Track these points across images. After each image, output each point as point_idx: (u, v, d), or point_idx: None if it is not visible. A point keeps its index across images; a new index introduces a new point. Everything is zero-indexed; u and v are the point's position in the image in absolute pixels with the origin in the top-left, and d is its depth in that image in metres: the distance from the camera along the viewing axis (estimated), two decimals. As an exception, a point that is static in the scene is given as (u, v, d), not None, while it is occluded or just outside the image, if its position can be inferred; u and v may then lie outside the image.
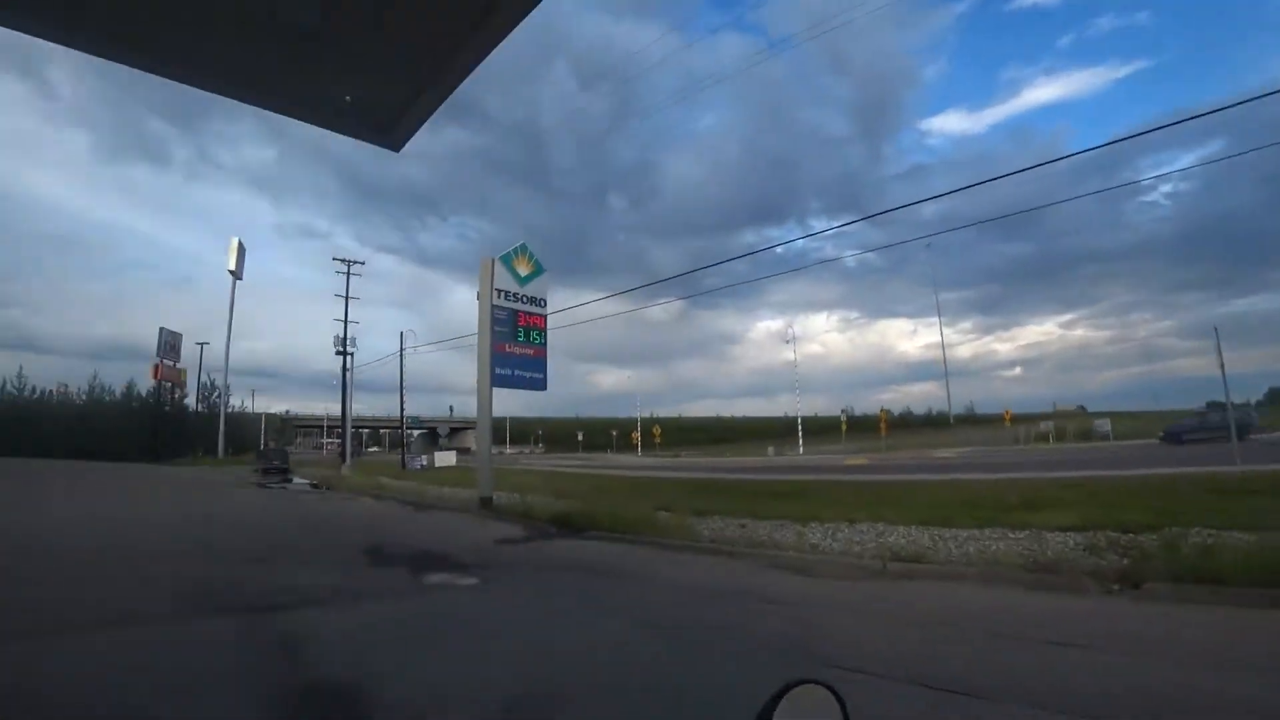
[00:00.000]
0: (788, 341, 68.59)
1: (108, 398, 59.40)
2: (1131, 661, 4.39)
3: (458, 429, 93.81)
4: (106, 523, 13.18)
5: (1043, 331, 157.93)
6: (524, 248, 17.46)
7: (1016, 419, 60.78)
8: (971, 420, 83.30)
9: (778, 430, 79.34)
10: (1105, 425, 51.83)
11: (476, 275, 17.10)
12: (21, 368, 64.76)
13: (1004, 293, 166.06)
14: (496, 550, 10.26)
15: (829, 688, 0.98)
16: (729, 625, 5.72)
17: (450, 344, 58.23)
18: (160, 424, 55.75)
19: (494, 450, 20.51)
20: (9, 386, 54.47)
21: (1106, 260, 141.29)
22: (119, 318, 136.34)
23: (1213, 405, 31.86)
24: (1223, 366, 13.42)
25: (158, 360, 55.83)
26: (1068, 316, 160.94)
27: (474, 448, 25.87)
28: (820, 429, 73.99)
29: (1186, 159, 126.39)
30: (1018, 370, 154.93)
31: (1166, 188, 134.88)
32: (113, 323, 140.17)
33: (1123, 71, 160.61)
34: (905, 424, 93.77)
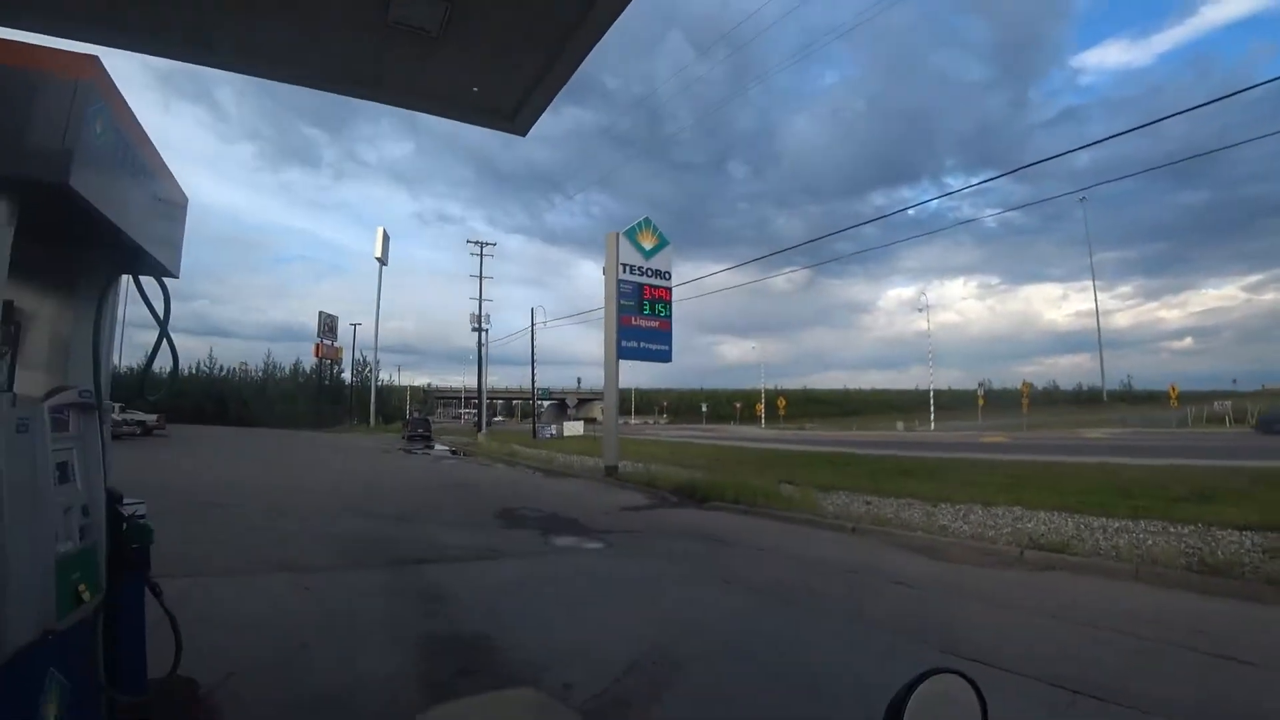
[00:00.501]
0: (920, 310, 64.93)
1: (279, 374, 68.66)
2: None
3: (585, 400, 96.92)
4: (278, 481, 14.86)
5: (1222, 295, 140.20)
6: (647, 221, 17.66)
7: (1185, 397, 54.35)
8: (1129, 397, 75.66)
9: (908, 404, 75.86)
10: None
11: (602, 251, 17.54)
12: (211, 350, 75.38)
13: (1173, 251, 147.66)
14: (621, 516, 10.63)
15: (969, 679, 0.94)
16: (849, 602, 5.67)
17: (578, 318, 60.43)
18: (322, 396, 63.86)
19: (620, 420, 21.10)
20: (202, 366, 64.42)
21: None
22: (286, 304, 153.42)
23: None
24: None
25: (318, 340, 63.77)
26: (1254, 278, 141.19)
27: (600, 418, 26.73)
28: (954, 403, 69.94)
29: None
30: (1188, 341, 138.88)
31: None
32: (281, 309, 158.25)
33: None
34: (1051, 400, 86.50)
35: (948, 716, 0.90)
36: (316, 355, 64.28)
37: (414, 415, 52.74)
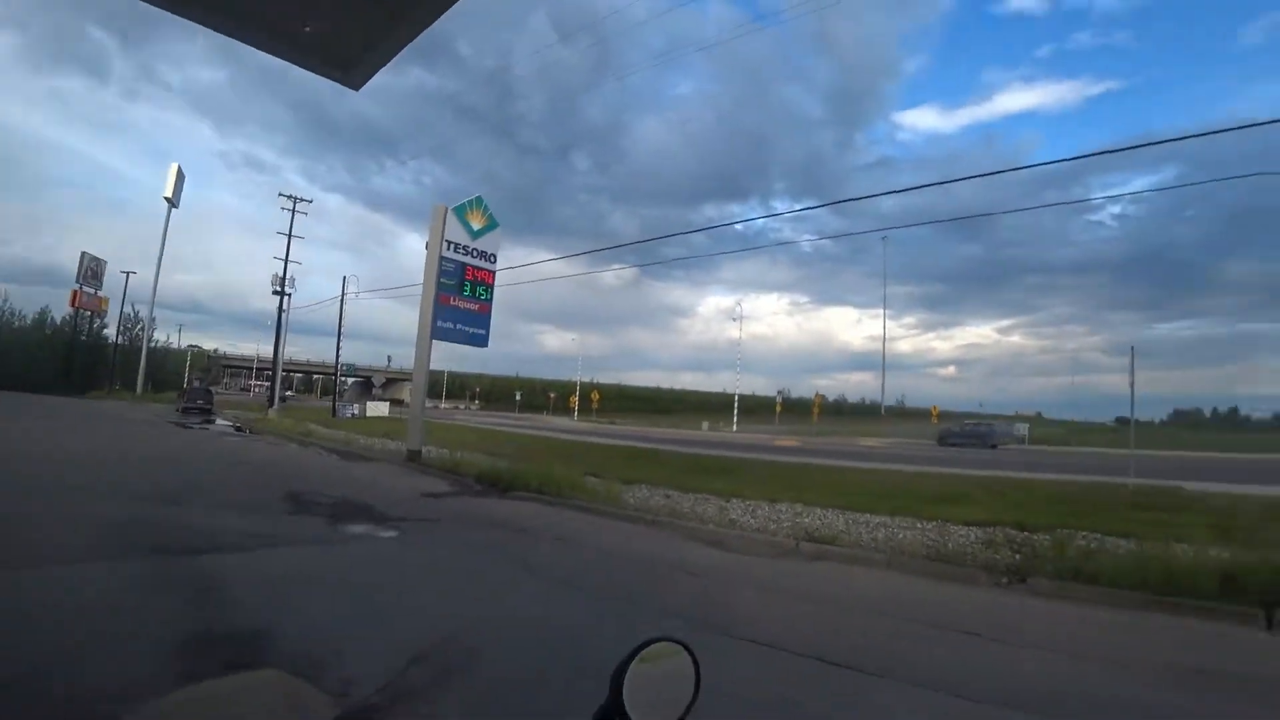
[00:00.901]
0: (734, 319, 69.04)
1: (17, 323, 55.03)
2: (1007, 649, 4.73)
3: (394, 380, 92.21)
4: (12, 457, 12.57)
5: (981, 334, 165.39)
6: (479, 200, 17.11)
7: (944, 416, 63.29)
8: (901, 413, 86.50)
9: (716, 406, 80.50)
10: (1023, 429, 54.53)
11: (428, 224, 16.70)
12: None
13: (950, 292, 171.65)
14: (421, 503, 10.22)
15: (685, 646, 1.03)
16: (641, 591, 5.89)
17: (394, 292, 57.30)
18: (76, 354, 52.64)
19: (429, 404, 20.23)
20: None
21: (1050, 272, 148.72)
22: (39, 239, 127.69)
23: (975, 420, 49.14)
24: (1132, 385, 14.23)
25: (77, 286, 51.71)
26: (1006, 322, 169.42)
27: (408, 400, 25.48)
28: (756, 408, 75.42)
29: (1139, 183, 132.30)
30: (952, 369, 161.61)
31: (1115, 209, 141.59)
32: (33, 244, 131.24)
33: (1096, 89, 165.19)
34: (839, 411, 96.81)
35: (664, 680, 0.99)
36: (73, 305, 52.31)
37: (194, 384, 46.68)
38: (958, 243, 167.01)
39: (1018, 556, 7.12)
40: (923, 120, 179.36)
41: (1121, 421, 32.92)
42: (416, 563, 6.55)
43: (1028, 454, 34.64)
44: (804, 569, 7.07)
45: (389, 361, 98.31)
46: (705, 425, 62.60)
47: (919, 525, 8.84)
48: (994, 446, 39.19)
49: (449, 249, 16.17)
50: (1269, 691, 4.30)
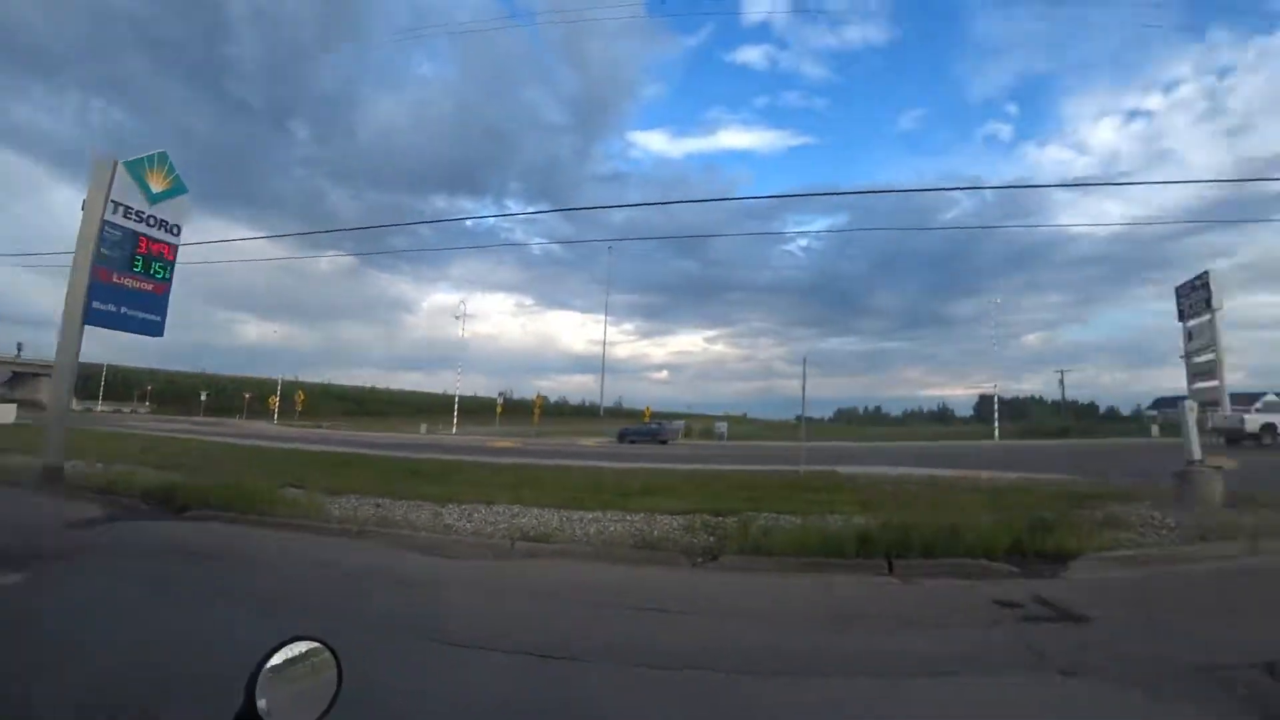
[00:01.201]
0: (458, 317, 67.40)
1: None
2: (699, 619, 5.29)
3: (27, 373, 74.09)
4: None
5: (691, 342, 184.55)
6: (163, 157, 14.25)
7: (656, 416, 68.72)
8: (619, 414, 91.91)
9: (436, 408, 77.99)
10: (723, 427, 61.70)
11: (90, 176, 13.55)
12: None
13: (666, 303, 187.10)
14: (63, 536, 8.30)
15: (324, 643, 1.06)
16: (347, 608, 5.44)
17: (32, 260, 45.65)
18: None
19: (85, 407, 16.55)
20: None
21: (749, 290, 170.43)
22: None
23: (658, 419, 55.68)
24: (805, 389, 17.23)
25: None
26: (712, 332, 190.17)
27: (47, 400, 20.57)
28: (479, 410, 74.81)
29: (820, 223, 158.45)
30: (664, 374, 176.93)
31: (803, 242, 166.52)
32: None
33: (797, 141, 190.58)
34: (560, 412, 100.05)
35: (304, 679, 0.97)
36: None
37: None
38: (675, 258, 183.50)
39: (712, 538, 7.97)
40: (654, 143, 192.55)
41: (800, 419, 38.90)
42: (50, 611, 5.24)
43: (725, 448, 39.25)
44: (519, 568, 7.15)
45: (19, 351, 78.64)
46: (424, 428, 60.31)
47: (628, 517, 9.44)
48: (664, 442, 44.71)
49: (118, 213, 13.19)
50: (885, 614, 5.42)
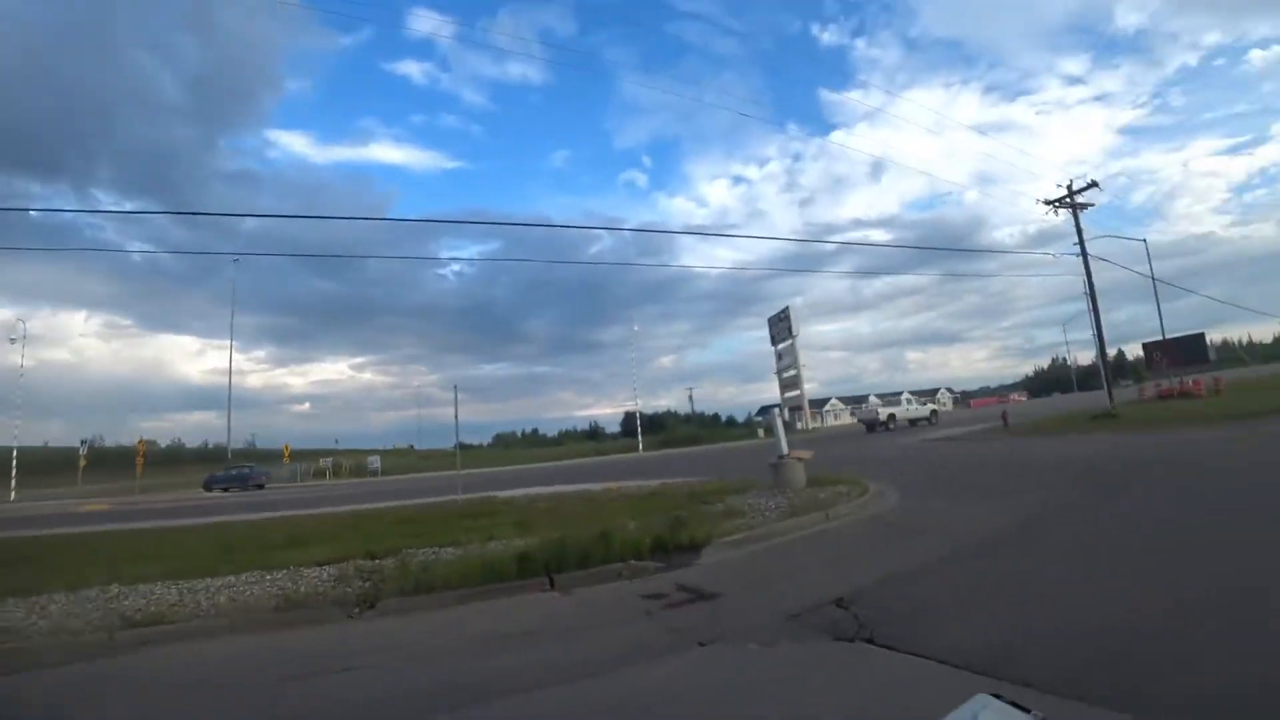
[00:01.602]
0: (15, 340, 49.17)
1: None
2: (359, 674, 4.85)
3: None
4: None
5: (335, 370, 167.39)
6: None
7: (298, 454, 61.58)
8: (252, 455, 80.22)
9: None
10: (376, 461, 57.85)
11: None
12: None
13: (306, 326, 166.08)
14: None
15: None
16: None
17: None
18: None
19: None
20: None
21: (400, 315, 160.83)
22: None
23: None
24: (456, 416, 17.27)
25: None
26: (360, 359, 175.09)
27: None
28: (52, 464, 57.93)
29: (473, 250, 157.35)
30: (307, 406, 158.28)
31: (456, 266, 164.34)
32: None
33: (452, 164, 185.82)
34: (175, 458, 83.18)
35: None
36: None
37: None
38: (316, 277, 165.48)
39: (368, 584, 7.41)
40: (296, 144, 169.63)
41: (462, 447, 38.77)
42: None
43: (380, 484, 36.93)
44: (123, 665, 5.77)
45: None
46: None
47: (269, 576, 8.28)
48: (261, 486, 40.99)
49: None
50: (549, 628, 5.64)
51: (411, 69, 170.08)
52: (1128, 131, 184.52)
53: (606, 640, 5.23)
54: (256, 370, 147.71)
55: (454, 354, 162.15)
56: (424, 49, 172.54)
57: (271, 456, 71.01)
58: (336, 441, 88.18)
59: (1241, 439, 15.23)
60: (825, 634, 4.70)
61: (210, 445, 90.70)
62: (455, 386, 17.31)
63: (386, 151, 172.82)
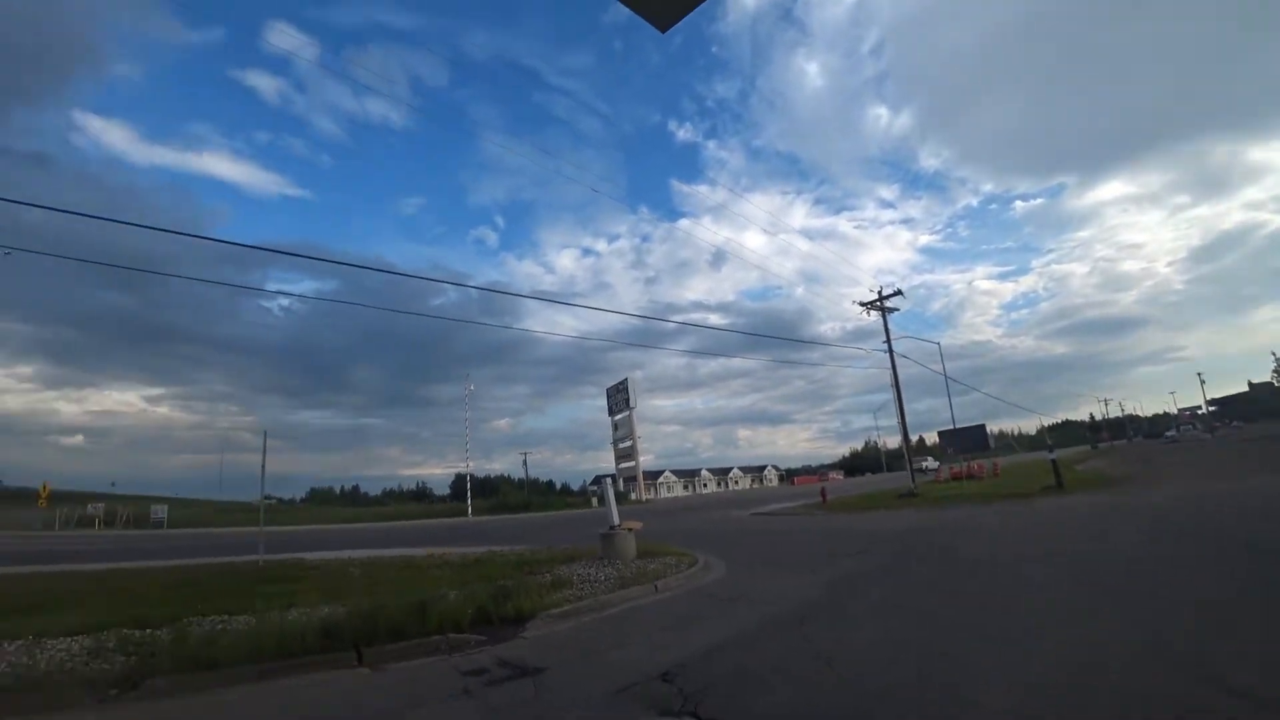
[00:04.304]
0: None
1: None
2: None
3: None
4: None
5: (124, 400, 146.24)
6: None
7: (62, 497, 52.29)
8: (-2, 495, 67.38)
9: None
10: (161, 511, 50.46)
11: None
12: None
13: (88, 344, 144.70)
14: None
15: None
16: None
17: None
18: None
19: None
20: None
21: (211, 346, 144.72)
22: None
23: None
24: (264, 466, 15.68)
25: None
26: (156, 391, 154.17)
27: None
28: None
29: (306, 285, 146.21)
30: (79, 439, 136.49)
31: (285, 301, 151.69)
32: None
33: (294, 191, 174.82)
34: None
35: None
36: None
37: None
38: (105, 287, 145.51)
39: (131, 660, 6.31)
40: (111, 136, 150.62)
41: (261, 500, 35.19)
42: None
43: (165, 537, 32.34)
44: None
45: None
46: None
47: (2, 648, 6.86)
48: None
49: None
50: (352, 710, 5.09)
51: (263, 82, 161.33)
52: (927, 251, 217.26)
53: (418, 721, 4.77)
54: (17, 389, 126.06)
55: (270, 395, 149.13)
56: (280, 65, 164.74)
57: (24, 496, 60.02)
58: (114, 485, 76.20)
59: (1016, 513, 17.53)
60: (651, 709, 4.62)
61: (-61, 475, 74.78)
62: (265, 431, 15.62)
63: (220, 164, 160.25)
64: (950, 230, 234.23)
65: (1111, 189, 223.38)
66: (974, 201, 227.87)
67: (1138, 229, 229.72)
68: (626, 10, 2.48)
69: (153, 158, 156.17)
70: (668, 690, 4.98)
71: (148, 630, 7.39)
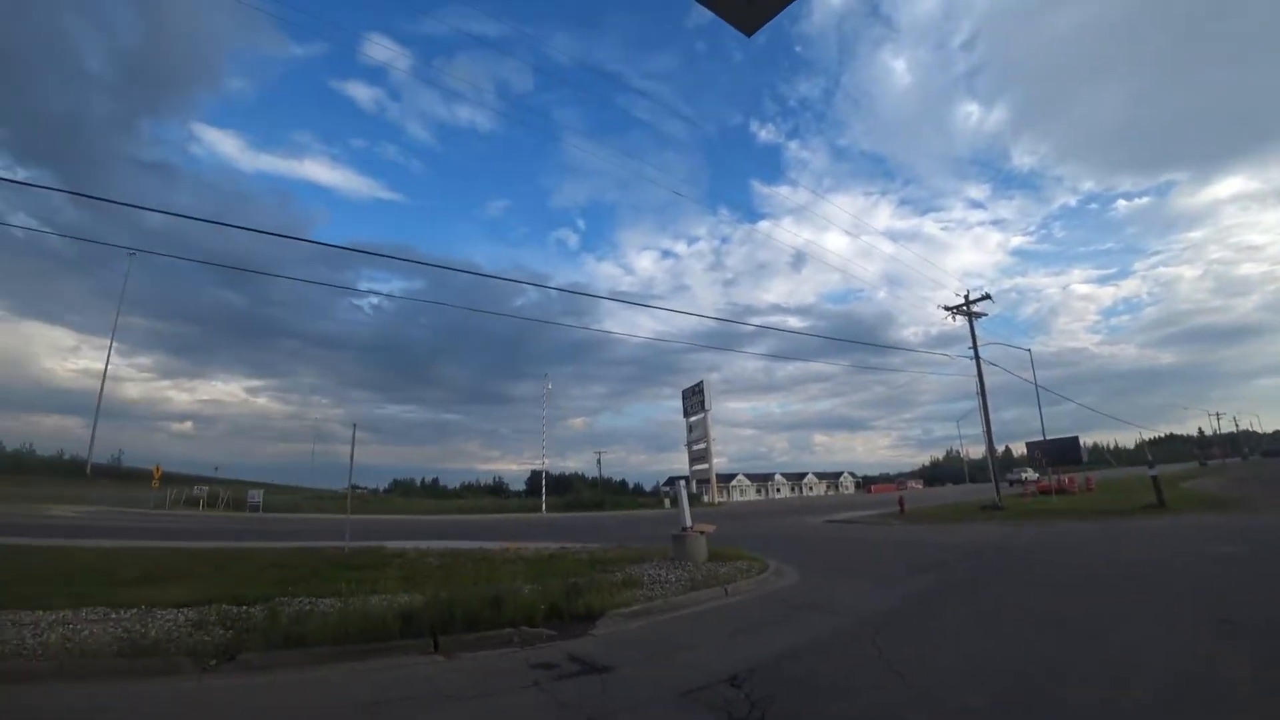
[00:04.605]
0: None
1: None
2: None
3: None
4: None
5: (227, 391, 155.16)
6: None
7: (170, 479, 56.24)
8: (115, 473, 72.86)
9: None
10: (257, 496, 53.54)
11: None
12: None
13: (200, 338, 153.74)
14: None
15: None
16: None
17: None
18: None
19: None
20: None
21: (307, 341, 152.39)
22: None
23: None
24: (352, 457, 16.65)
25: None
26: (256, 382, 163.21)
27: None
28: None
29: (395, 284, 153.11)
30: (189, 425, 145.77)
31: (375, 300, 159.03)
32: None
33: (387, 194, 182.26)
34: (22, 465, 74.22)
35: None
36: None
37: None
38: (219, 286, 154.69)
39: (230, 633, 6.73)
40: (223, 144, 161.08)
41: (356, 490, 36.81)
42: None
43: (260, 521, 34.42)
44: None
45: None
46: None
47: (114, 615, 7.44)
48: None
49: None
50: (427, 694, 5.23)
51: (360, 92, 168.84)
52: (1018, 253, 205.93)
53: (489, 712, 4.90)
54: (137, 379, 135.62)
55: (360, 389, 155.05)
56: (376, 75, 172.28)
57: (139, 477, 64.84)
58: (217, 470, 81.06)
59: (1112, 531, 16.48)
60: (718, 713, 4.58)
61: (66, 455, 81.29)
62: (354, 425, 16.43)
63: (320, 170, 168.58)
64: (1044, 231, 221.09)
65: (1229, 185, 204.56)
66: (1071, 201, 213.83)
67: (1259, 229, 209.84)
68: (710, 12, 2.45)
69: (260, 165, 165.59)
70: (735, 695, 4.94)
71: (244, 607, 7.86)
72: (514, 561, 12.78)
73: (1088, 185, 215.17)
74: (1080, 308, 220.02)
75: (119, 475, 71.71)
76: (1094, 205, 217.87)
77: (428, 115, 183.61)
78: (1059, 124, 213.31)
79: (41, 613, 7.37)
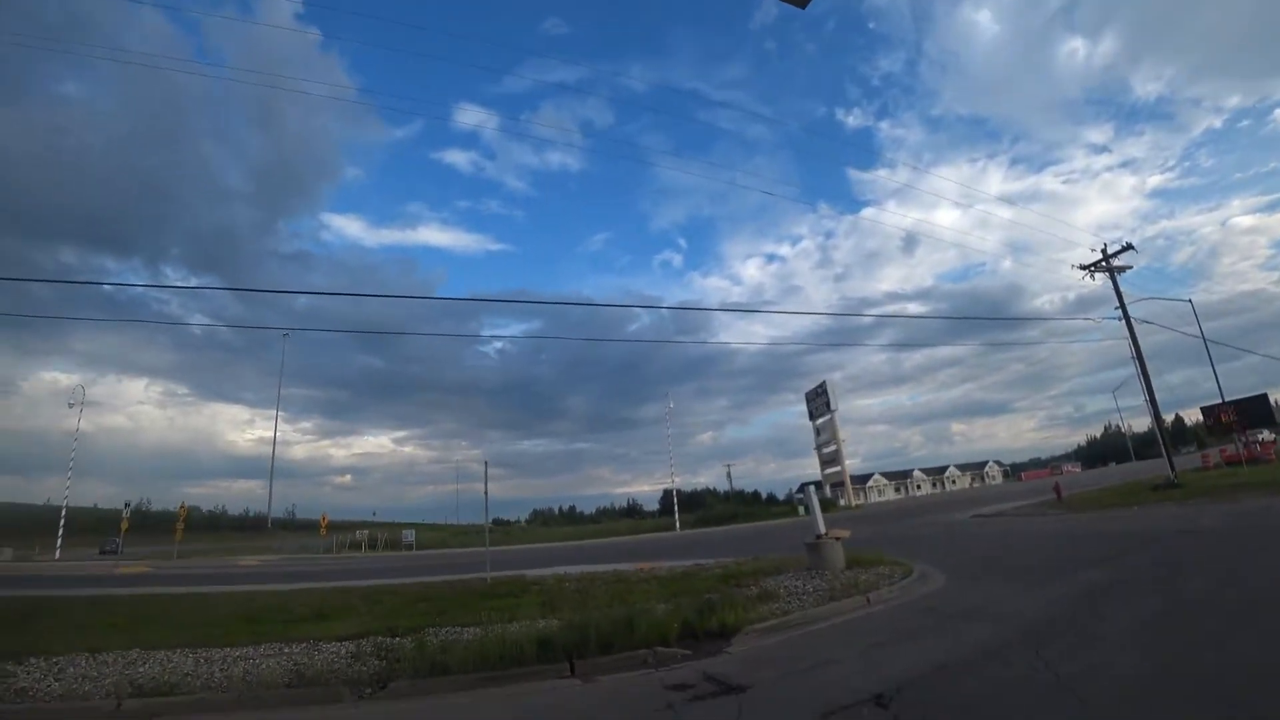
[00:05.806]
0: (74, 405, 50.33)
1: None
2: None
3: None
4: None
5: (377, 444, 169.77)
6: None
7: (335, 526, 61.57)
8: (290, 525, 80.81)
9: (32, 524, 59.94)
10: (410, 535, 57.55)
11: None
12: None
13: (350, 400, 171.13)
14: None
15: None
16: None
17: None
18: None
19: None
20: None
21: (442, 391, 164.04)
22: None
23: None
24: (486, 493, 17.64)
25: None
26: (401, 433, 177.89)
27: None
28: (100, 526, 59.79)
29: (515, 328, 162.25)
30: (348, 478, 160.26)
31: (499, 345, 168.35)
32: None
33: (495, 246, 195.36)
34: (215, 525, 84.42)
35: None
36: None
37: None
38: (361, 352, 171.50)
39: (382, 663, 7.14)
40: (349, 228, 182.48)
41: (497, 523, 38.50)
42: None
43: (413, 558, 36.59)
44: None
45: None
46: (9, 552, 46.33)
47: (286, 650, 8.10)
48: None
49: None
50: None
51: (458, 158, 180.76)
52: (1159, 194, 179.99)
53: (624, 734, 4.86)
54: (302, 441, 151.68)
55: (494, 429, 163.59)
56: (470, 139, 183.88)
57: (309, 527, 71.33)
58: (374, 514, 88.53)
59: None
60: (864, 736, 4.28)
61: (251, 513, 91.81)
62: (486, 462, 17.25)
63: (434, 234, 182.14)
64: (1189, 164, 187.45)
65: None
66: (1217, 122, 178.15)
67: None
68: (772, 10, 2.36)
69: (382, 239, 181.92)
70: (882, 716, 4.57)
71: (395, 639, 8.33)
72: (648, 581, 12.80)
73: (1234, 100, 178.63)
74: (1246, 244, 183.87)
75: (294, 526, 79.39)
76: (1246, 121, 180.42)
77: (522, 166, 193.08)
78: (1185, 37, 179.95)
79: (229, 649, 8.15)
